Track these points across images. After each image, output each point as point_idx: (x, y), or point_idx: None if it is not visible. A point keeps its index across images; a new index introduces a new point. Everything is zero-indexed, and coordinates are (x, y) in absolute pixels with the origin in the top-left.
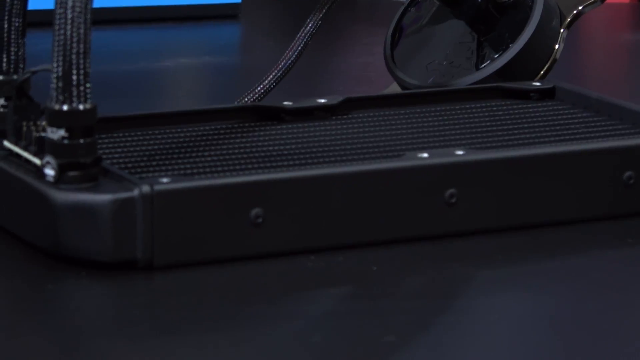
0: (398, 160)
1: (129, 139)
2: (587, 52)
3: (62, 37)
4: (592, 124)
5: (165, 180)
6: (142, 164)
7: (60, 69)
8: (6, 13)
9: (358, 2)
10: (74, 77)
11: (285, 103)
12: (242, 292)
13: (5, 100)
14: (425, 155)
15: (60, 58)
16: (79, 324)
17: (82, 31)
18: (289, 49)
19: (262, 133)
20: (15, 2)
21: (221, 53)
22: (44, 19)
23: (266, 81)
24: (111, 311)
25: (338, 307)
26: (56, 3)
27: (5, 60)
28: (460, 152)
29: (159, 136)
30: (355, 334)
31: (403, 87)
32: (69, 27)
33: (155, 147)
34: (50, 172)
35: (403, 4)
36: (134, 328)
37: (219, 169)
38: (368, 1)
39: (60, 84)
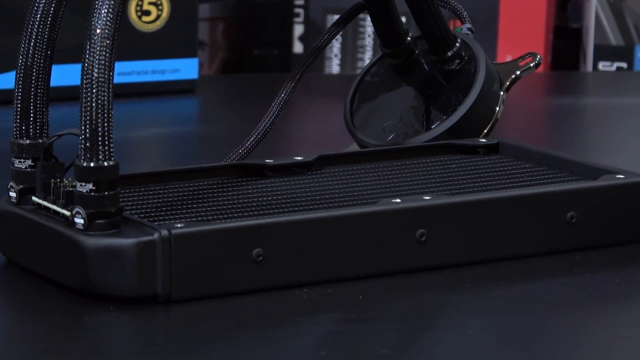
0: (376, 206)
1: (137, 192)
2: (515, 114)
3: (89, 104)
4: (535, 173)
5: (180, 225)
6: (153, 213)
7: (87, 131)
8: (32, 84)
9: (309, 76)
10: (99, 138)
11: (267, 161)
12: (251, 319)
13: (32, 161)
14: (398, 200)
15: (88, 122)
16: (115, 347)
17: (105, 99)
18: (265, 115)
19: (250, 186)
20: (40, 75)
21: (186, 123)
22: (56, 94)
23: (247, 143)
24: (139, 337)
25: (336, 328)
26: (82, 75)
27: (32, 126)
28: (427, 198)
29: (164, 190)
30: (355, 349)
31: (363, 147)
32: (94, 95)
33: (163, 199)
34: (80, 220)
35: (359, 74)
36: (159, 350)
37: (220, 216)
38: (317, 76)
39: (88, 144)
